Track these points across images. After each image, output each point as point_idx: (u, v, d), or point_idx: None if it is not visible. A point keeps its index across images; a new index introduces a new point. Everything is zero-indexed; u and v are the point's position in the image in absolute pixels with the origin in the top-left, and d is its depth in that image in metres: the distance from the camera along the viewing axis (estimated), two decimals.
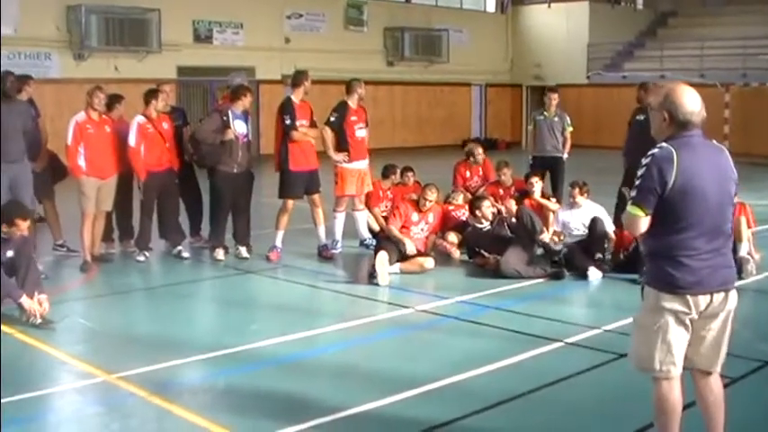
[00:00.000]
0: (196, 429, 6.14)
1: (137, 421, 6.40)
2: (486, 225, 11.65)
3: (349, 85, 12.45)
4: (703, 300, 4.94)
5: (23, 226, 8.89)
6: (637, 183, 4.87)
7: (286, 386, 7.06)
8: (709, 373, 5.16)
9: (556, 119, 14.83)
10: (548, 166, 14.58)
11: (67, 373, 7.58)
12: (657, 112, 4.98)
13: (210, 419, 6.24)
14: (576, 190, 11.58)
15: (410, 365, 7.60)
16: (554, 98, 14.83)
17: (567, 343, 8.12)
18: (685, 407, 5.21)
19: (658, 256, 4.98)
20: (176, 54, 26.73)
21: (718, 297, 4.97)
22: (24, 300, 8.64)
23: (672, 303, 4.93)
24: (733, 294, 5.04)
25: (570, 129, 15.05)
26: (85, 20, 25.05)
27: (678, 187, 4.76)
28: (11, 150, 10.66)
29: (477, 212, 11.65)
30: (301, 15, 30.30)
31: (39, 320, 8.67)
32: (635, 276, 9.82)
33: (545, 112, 14.87)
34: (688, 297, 4.92)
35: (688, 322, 4.98)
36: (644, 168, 4.84)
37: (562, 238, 11.38)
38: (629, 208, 4.91)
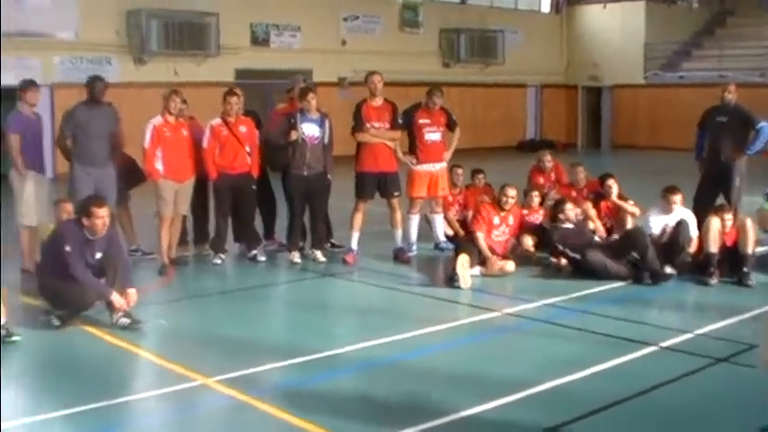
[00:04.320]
0: None
1: (241, 425, 6.39)
2: (570, 226, 11.50)
3: (428, 91, 12.42)
4: None
5: (101, 213, 8.86)
6: None
7: (381, 391, 7.03)
8: None
9: None
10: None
11: (163, 376, 7.57)
12: None
13: (314, 423, 6.20)
14: (678, 197, 11.38)
15: (504, 369, 7.52)
16: None
17: (661, 347, 8.00)
18: None
19: None
20: (234, 57, 26.85)
21: None
22: (115, 297, 8.75)
23: None
24: None
25: None
26: (146, 24, 25.23)
27: None
28: (97, 153, 11.18)
29: (561, 215, 11.49)
30: (357, 17, 30.32)
31: (127, 321, 8.72)
32: (707, 279, 10.53)
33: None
34: None
35: None
36: None
37: None
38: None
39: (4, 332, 8.38)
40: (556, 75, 36.49)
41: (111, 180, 11.39)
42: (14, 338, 8.38)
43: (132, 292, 8.94)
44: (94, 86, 11.39)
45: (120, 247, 9.42)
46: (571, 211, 11.52)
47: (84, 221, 8.90)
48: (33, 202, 11.31)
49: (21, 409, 6.84)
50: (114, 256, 9.11)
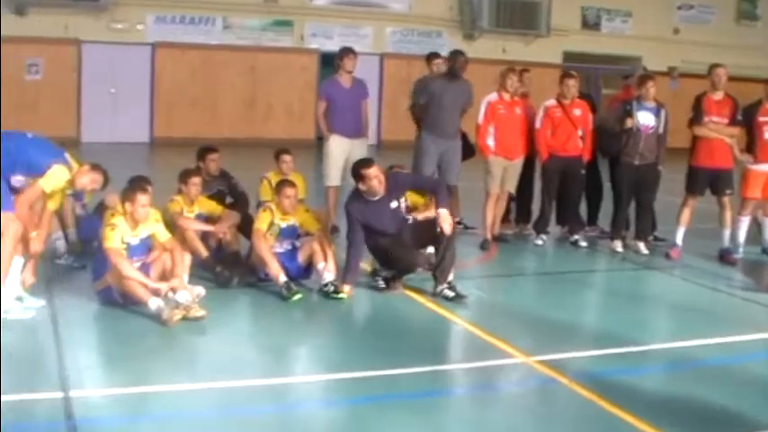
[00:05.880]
0: (624, 425, 6.04)
1: (560, 407, 6.45)
2: None
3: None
4: None
5: (371, 173, 8.89)
6: None
7: (700, 393, 6.74)
8: None
9: None
10: None
11: (482, 349, 7.68)
12: None
13: (638, 417, 6.09)
14: None
15: None
16: None
17: None
18: None
19: None
20: (563, 39, 26.86)
21: None
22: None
23: None
24: None
25: None
26: (478, 1, 25.63)
27: None
28: (447, 126, 11.61)
29: None
30: (692, 7, 29.54)
31: (451, 294, 8.90)
32: None
33: None
34: None
35: None
36: None
37: None
38: None
39: (332, 288, 8.83)
40: None
41: (457, 153, 11.84)
42: (341, 295, 8.81)
43: (444, 212, 8.97)
44: (456, 60, 11.69)
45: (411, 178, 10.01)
46: None
47: (361, 187, 9.04)
48: (334, 164, 11.89)
49: (334, 364, 7.16)
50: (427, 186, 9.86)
